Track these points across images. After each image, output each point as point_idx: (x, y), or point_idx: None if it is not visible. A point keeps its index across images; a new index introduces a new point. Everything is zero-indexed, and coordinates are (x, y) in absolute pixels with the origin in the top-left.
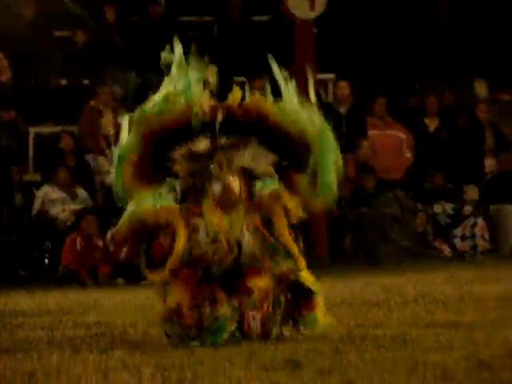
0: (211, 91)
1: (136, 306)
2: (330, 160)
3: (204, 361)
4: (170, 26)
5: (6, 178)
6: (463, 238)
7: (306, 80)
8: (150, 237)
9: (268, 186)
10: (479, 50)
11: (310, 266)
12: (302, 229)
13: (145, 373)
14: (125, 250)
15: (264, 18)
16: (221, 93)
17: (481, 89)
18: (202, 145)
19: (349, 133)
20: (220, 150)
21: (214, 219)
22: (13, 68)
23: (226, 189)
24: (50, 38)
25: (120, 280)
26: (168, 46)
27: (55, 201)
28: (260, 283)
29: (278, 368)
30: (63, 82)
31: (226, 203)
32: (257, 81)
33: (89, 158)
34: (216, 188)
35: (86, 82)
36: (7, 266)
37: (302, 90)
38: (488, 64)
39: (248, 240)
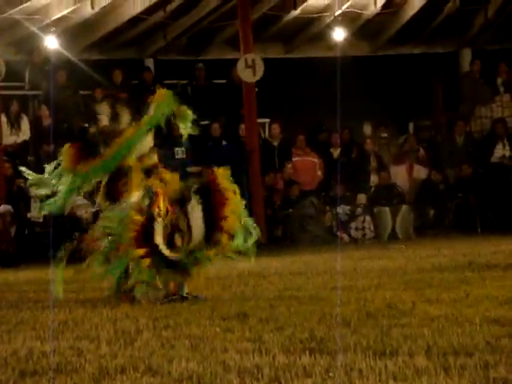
0: None
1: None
2: None
3: (181, 313)
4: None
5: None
6: (356, 229)
7: (250, 122)
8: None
9: None
10: (366, 104)
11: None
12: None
13: (141, 321)
14: None
15: (222, 81)
16: None
17: (367, 129)
18: None
19: (279, 159)
20: None
21: None
22: (52, 116)
23: None
24: (76, 95)
25: None
26: None
27: (80, 206)
28: None
29: (232, 318)
30: (85, 124)
31: None
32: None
33: None
34: None
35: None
36: (48, 249)
37: (247, 129)
38: (372, 112)
39: None
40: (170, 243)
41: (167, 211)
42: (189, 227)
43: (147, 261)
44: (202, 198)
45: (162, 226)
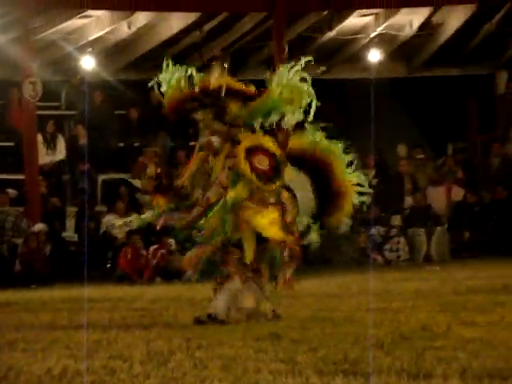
0: None
1: (168, 296)
2: None
3: (214, 333)
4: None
5: (82, 209)
6: (391, 250)
7: None
8: None
9: None
10: (402, 126)
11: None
12: None
13: (174, 342)
14: (162, 258)
15: None
16: None
17: (401, 150)
18: None
19: None
20: None
21: None
22: (88, 135)
23: None
24: (112, 115)
25: (158, 279)
26: None
27: (115, 225)
28: None
29: (265, 339)
30: (121, 144)
31: None
32: None
33: (138, 195)
34: None
35: (136, 144)
36: (83, 268)
37: None
38: (408, 134)
39: None
40: None
41: None
42: None
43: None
44: None
45: None
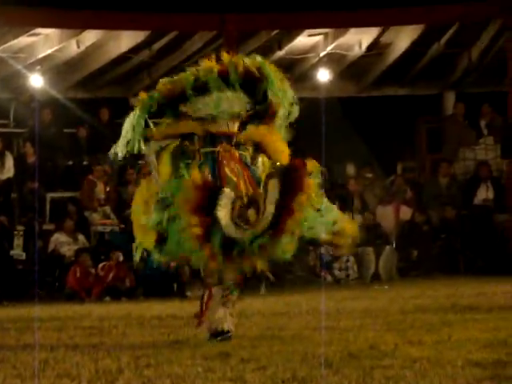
0: None
1: (117, 315)
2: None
3: (163, 351)
4: None
5: (31, 227)
6: (340, 269)
7: None
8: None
9: None
10: (351, 145)
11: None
12: None
13: (123, 360)
14: (111, 275)
15: None
16: None
17: (350, 169)
18: None
19: None
20: None
21: None
22: (36, 153)
23: None
24: (61, 133)
25: (107, 297)
26: None
27: (63, 243)
28: None
29: (214, 357)
30: (70, 162)
31: None
32: None
33: (87, 213)
34: None
35: (85, 162)
36: (31, 287)
37: None
38: (357, 153)
39: None
40: (243, 217)
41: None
42: (264, 206)
43: (197, 230)
44: (283, 179)
45: (229, 198)
